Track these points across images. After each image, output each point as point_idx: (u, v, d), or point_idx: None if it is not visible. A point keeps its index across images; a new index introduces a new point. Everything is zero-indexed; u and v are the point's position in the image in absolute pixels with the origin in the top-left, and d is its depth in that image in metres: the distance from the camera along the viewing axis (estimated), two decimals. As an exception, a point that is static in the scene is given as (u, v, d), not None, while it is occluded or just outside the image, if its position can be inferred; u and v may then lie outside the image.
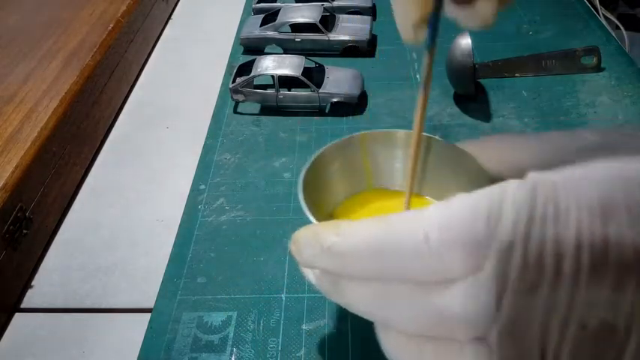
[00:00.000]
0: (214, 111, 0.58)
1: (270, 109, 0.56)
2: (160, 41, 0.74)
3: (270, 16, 0.65)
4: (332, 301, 0.25)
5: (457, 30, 0.50)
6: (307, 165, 0.30)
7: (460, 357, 0.20)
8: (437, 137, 0.31)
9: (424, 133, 0.29)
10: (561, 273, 0.18)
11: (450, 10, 0.23)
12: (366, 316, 0.23)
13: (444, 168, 0.31)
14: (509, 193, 0.20)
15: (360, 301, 0.23)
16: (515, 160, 0.26)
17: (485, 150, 0.28)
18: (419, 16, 0.22)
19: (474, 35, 0.51)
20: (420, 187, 0.33)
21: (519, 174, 0.23)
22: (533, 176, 0.21)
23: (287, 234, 0.44)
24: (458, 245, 0.19)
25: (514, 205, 0.19)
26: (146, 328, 0.38)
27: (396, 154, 0.33)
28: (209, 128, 0.55)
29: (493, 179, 0.26)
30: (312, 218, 0.27)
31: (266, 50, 0.65)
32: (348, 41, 0.63)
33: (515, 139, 0.27)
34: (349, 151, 0.33)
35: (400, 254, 0.20)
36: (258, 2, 0.71)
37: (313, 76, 0.56)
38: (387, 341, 0.23)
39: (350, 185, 0.33)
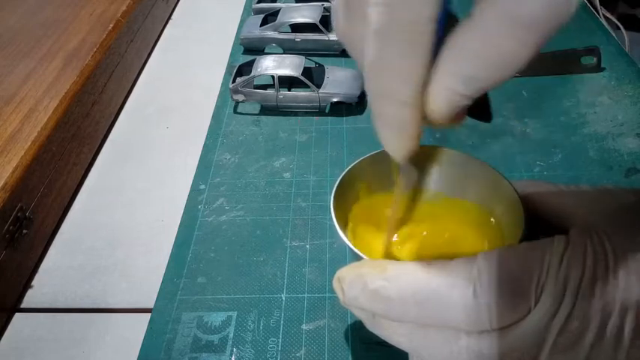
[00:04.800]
0: (214, 111, 0.58)
1: (270, 109, 0.56)
2: (159, 41, 0.74)
3: (270, 16, 0.65)
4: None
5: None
6: (338, 181, 0.30)
7: None
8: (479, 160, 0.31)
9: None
10: (605, 331, 0.19)
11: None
12: (398, 346, 0.24)
13: (473, 180, 0.31)
14: (559, 249, 0.20)
15: (395, 336, 0.23)
16: (559, 206, 0.26)
17: (529, 186, 0.28)
18: (411, 148, 0.22)
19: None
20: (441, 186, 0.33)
21: (563, 222, 0.24)
22: (582, 234, 0.21)
23: (287, 234, 0.44)
24: (506, 301, 0.20)
25: (564, 263, 0.20)
26: (146, 328, 0.38)
27: (426, 169, 0.33)
28: (209, 128, 0.55)
29: (522, 203, 0.27)
30: (345, 240, 0.27)
31: (266, 50, 0.65)
32: (348, 41, 0.62)
33: (556, 186, 0.27)
34: (379, 164, 0.32)
35: (446, 305, 0.21)
36: (258, 2, 0.71)
37: (313, 76, 0.56)
38: None
39: (378, 196, 0.33)
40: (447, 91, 0.18)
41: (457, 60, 0.18)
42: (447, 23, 0.18)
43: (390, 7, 0.17)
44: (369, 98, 0.20)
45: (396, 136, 0.21)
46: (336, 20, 0.21)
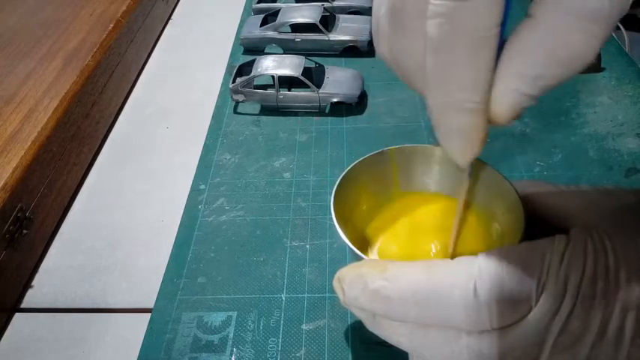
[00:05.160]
0: (214, 111, 0.58)
1: (270, 109, 0.56)
2: (159, 41, 0.74)
3: (270, 16, 0.65)
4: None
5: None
6: (338, 181, 0.30)
7: None
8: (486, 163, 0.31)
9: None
10: (606, 331, 0.19)
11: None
12: (398, 346, 0.24)
13: (473, 179, 0.31)
14: (559, 249, 0.20)
15: (395, 336, 0.23)
16: (559, 206, 0.26)
17: (530, 187, 0.28)
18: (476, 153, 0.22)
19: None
20: (441, 186, 0.33)
21: (563, 222, 0.24)
22: (582, 234, 0.21)
23: (287, 234, 0.44)
24: (506, 300, 0.20)
25: (565, 263, 0.20)
26: (146, 328, 0.38)
27: (426, 169, 0.33)
28: (209, 128, 0.55)
29: (521, 201, 0.27)
30: (346, 240, 0.27)
31: (266, 50, 0.65)
32: (348, 41, 0.62)
33: (556, 186, 0.27)
34: (379, 164, 0.32)
35: (446, 305, 0.21)
36: (258, 2, 0.71)
37: (313, 76, 0.56)
38: None
39: (379, 196, 0.33)
40: (513, 92, 0.18)
41: (522, 60, 0.18)
42: (506, 24, 0.18)
43: (450, 17, 0.17)
44: (432, 111, 0.20)
45: (464, 144, 0.21)
46: (380, 39, 0.21)
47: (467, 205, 0.31)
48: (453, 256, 0.30)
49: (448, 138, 0.21)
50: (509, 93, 0.18)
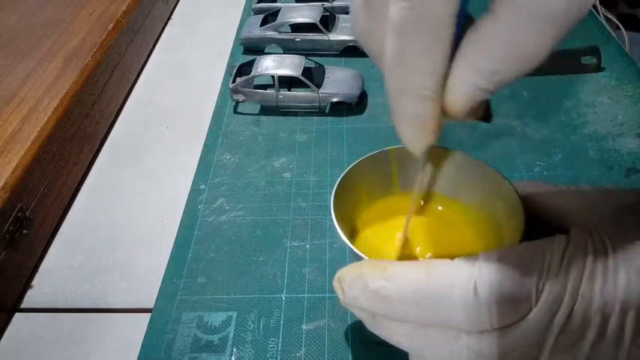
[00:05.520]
0: (214, 111, 0.58)
1: (270, 109, 0.56)
2: (159, 41, 0.74)
3: (270, 16, 0.65)
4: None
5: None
6: (338, 181, 0.30)
7: None
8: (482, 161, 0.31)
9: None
10: (606, 331, 0.19)
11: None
12: (398, 346, 0.24)
13: (473, 180, 0.31)
14: (559, 248, 0.20)
15: (395, 336, 0.24)
16: (559, 206, 0.26)
17: (530, 187, 0.28)
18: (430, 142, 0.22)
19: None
20: (441, 187, 0.33)
21: (563, 222, 0.24)
22: (582, 234, 0.21)
23: (287, 234, 0.44)
24: (506, 300, 0.20)
25: (565, 263, 0.20)
26: (146, 328, 0.38)
27: (428, 171, 0.33)
28: (209, 128, 0.55)
29: (520, 200, 0.27)
30: (346, 240, 0.27)
31: (266, 50, 0.65)
32: (348, 41, 0.62)
33: (556, 187, 0.27)
34: (379, 164, 0.32)
35: (446, 305, 0.21)
36: (258, 2, 0.71)
37: (313, 76, 0.56)
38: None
39: (378, 196, 0.33)
40: (468, 85, 0.19)
41: (478, 54, 0.18)
42: (464, 18, 0.18)
43: (411, 3, 0.17)
44: (389, 95, 0.21)
45: (416, 131, 0.21)
46: (355, 20, 0.21)
47: (430, 197, 0.31)
48: (402, 253, 0.30)
49: (402, 124, 0.21)
50: (465, 85, 0.19)
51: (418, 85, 0.19)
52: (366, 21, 0.21)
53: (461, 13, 0.18)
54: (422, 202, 0.33)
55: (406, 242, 0.31)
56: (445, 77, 0.19)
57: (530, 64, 0.18)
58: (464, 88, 0.19)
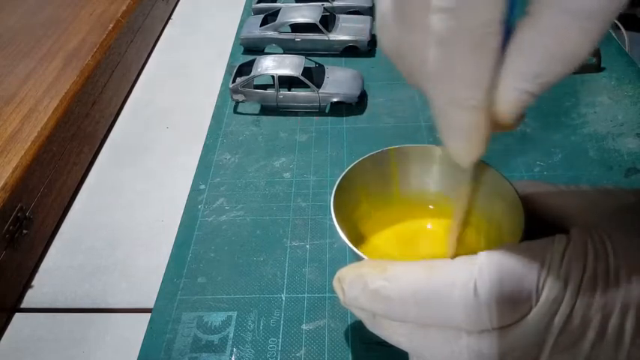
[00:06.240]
0: (214, 111, 0.58)
1: (270, 109, 0.56)
2: (159, 41, 0.74)
3: (270, 16, 0.65)
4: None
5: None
6: (338, 181, 0.30)
7: None
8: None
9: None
10: (606, 331, 0.19)
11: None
12: (398, 346, 0.24)
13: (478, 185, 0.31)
14: (559, 248, 0.20)
15: (395, 336, 0.23)
16: (559, 206, 0.26)
17: (530, 187, 0.28)
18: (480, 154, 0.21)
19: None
20: (442, 187, 0.33)
21: (563, 222, 0.24)
22: (582, 233, 0.21)
23: (287, 234, 0.44)
24: (506, 300, 0.20)
25: (565, 262, 0.20)
26: (146, 328, 0.38)
27: (425, 169, 0.33)
28: (209, 128, 0.55)
29: (521, 199, 0.27)
30: (346, 240, 0.27)
31: (266, 50, 0.65)
32: (348, 41, 0.62)
33: (556, 187, 0.27)
34: (379, 164, 0.32)
35: (447, 304, 0.21)
36: (258, 2, 0.71)
37: (313, 76, 0.56)
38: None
39: (378, 196, 0.33)
40: (516, 91, 0.18)
41: (523, 59, 0.18)
42: (512, 24, 0.18)
43: (454, 13, 0.17)
44: (434, 108, 0.20)
45: (465, 143, 0.21)
46: (384, 31, 0.21)
47: (467, 207, 0.31)
48: (452, 257, 0.30)
49: (450, 137, 0.21)
50: (512, 91, 0.18)
51: (467, 96, 0.19)
52: (399, 32, 0.20)
53: (507, 19, 0.17)
54: (430, 207, 0.33)
55: (407, 241, 0.31)
56: (493, 85, 0.19)
57: (574, 63, 0.17)
58: (512, 94, 0.18)
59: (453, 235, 0.29)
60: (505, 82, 0.18)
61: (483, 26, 0.17)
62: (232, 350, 0.36)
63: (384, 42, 0.21)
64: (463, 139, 0.20)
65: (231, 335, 0.37)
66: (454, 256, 0.29)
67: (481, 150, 0.21)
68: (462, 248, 0.30)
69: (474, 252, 0.22)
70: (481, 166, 0.30)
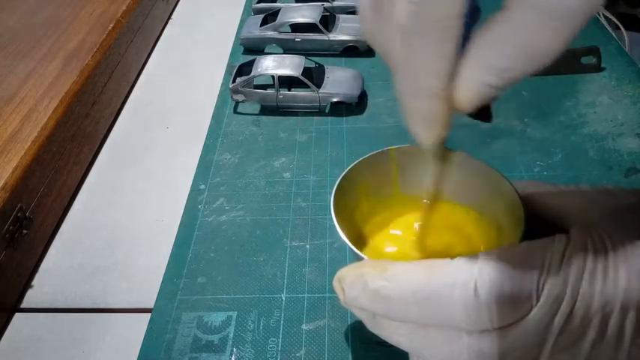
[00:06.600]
0: (214, 111, 0.58)
1: (270, 109, 0.56)
2: (159, 41, 0.74)
3: (270, 16, 0.65)
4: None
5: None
6: (338, 181, 0.30)
7: None
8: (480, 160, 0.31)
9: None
10: (606, 331, 0.19)
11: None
12: (399, 346, 0.24)
13: (473, 180, 0.31)
14: (559, 248, 0.20)
15: (395, 336, 0.24)
16: (559, 206, 0.26)
17: (530, 187, 0.28)
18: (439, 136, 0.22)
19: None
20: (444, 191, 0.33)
21: (563, 222, 0.24)
22: (582, 233, 0.21)
23: (287, 234, 0.44)
24: (507, 300, 0.20)
25: (565, 262, 0.20)
26: (146, 328, 0.38)
27: (425, 169, 0.33)
28: (209, 128, 0.55)
29: (522, 202, 0.27)
30: (346, 240, 0.27)
31: (266, 50, 0.65)
32: (348, 41, 0.62)
33: (556, 186, 0.27)
34: (379, 164, 0.33)
35: (447, 304, 0.21)
36: (258, 2, 0.71)
37: (313, 76, 0.56)
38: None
39: (378, 196, 0.33)
40: (478, 82, 0.19)
41: (489, 52, 0.18)
42: (473, 17, 0.19)
43: (417, 4, 0.18)
44: (398, 92, 0.21)
45: (426, 127, 0.22)
46: (363, 19, 0.22)
47: (437, 190, 0.31)
48: (426, 250, 0.30)
49: (412, 120, 0.22)
50: (474, 82, 0.19)
51: (426, 83, 0.20)
52: (373, 21, 0.21)
53: (468, 11, 0.18)
54: (425, 201, 0.33)
55: (407, 241, 0.31)
56: (453, 74, 0.19)
57: (542, 62, 0.18)
58: (473, 86, 0.19)
59: (423, 220, 0.29)
60: (467, 72, 0.19)
61: (445, 18, 0.18)
62: (232, 350, 0.36)
63: (363, 28, 0.22)
64: (423, 122, 0.22)
65: (231, 335, 0.37)
66: (424, 245, 0.29)
67: (440, 133, 0.22)
68: (462, 248, 0.30)
69: (474, 252, 0.22)
70: (481, 165, 0.30)
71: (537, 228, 0.25)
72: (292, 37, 0.63)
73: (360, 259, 0.26)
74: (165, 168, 0.54)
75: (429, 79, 0.19)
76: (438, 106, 0.20)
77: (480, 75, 0.19)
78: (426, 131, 0.22)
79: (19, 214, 0.43)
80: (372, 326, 0.24)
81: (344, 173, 0.31)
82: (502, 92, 0.19)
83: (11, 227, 0.42)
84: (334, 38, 0.62)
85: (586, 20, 0.16)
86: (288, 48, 0.64)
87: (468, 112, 0.20)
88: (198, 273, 0.41)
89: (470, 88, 0.19)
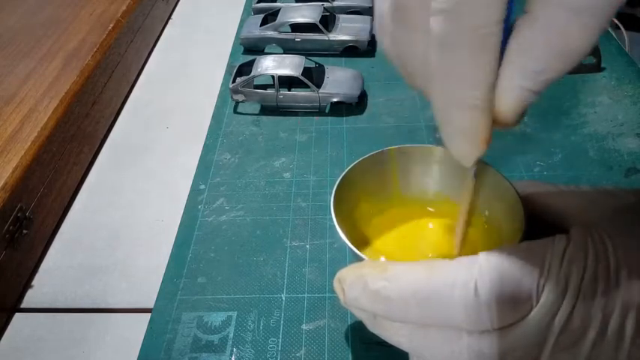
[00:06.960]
0: (214, 111, 0.58)
1: (270, 109, 0.56)
2: (159, 41, 0.74)
3: (270, 16, 0.65)
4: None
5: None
6: (338, 181, 0.30)
7: None
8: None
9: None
10: (607, 331, 0.19)
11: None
12: (399, 346, 0.24)
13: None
14: (559, 248, 0.20)
15: (395, 336, 0.23)
16: (559, 206, 0.26)
17: (530, 187, 0.28)
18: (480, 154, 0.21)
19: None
20: (443, 188, 0.33)
21: (563, 222, 0.24)
22: (582, 233, 0.21)
23: (287, 234, 0.44)
24: (507, 300, 0.20)
25: (565, 262, 0.20)
26: (146, 328, 0.38)
27: (425, 169, 0.33)
28: (209, 128, 0.55)
29: (521, 200, 0.27)
30: (346, 240, 0.27)
31: (266, 50, 0.65)
32: (348, 41, 0.62)
33: (556, 187, 0.27)
34: (379, 164, 0.32)
35: (447, 305, 0.21)
36: (258, 2, 0.71)
37: (313, 76, 0.56)
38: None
39: (378, 196, 0.33)
40: (517, 89, 0.18)
41: (523, 56, 0.18)
42: (512, 20, 0.18)
43: (454, 14, 0.17)
44: (435, 108, 0.20)
45: (467, 143, 0.21)
46: (383, 33, 0.20)
47: (470, 207, 0.31)
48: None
49: (452, 137, 0.21)
50: (513, 89, 0.18)
51: (468, 96, 0.19)
52: (399, 33, 0.20)
53: (507, 18, 0.17)
54: (430, 209, 0.33)
55: (407, 241, 0.31)
56: (494, 84, 0.19)
57: (575, 59, 0.17)
58: (512, 92, 0.18)
59: (458, 236, 0.29)
60: (506, 80, 0.18)
61: (483, 27, 0.17)
62: (232, 350, 0.36)
63: (383, 43, 0.21)
64: (465, 138, 0.20)
65: (231, 335, 0.37)
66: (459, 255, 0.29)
67: (483, 149, 0.21)
68: (463, 249, 0.30)
69: (474, 252, 0.22)
70: (481, 165, 0.30)
71: (537, 228, 0.25)
72: (292, 37, 0.63)
73: (360, 259, 0.26)
74: (165, 168, 0.54)
75: (470, 91, 0.18)
76: (481, 119, 0.19)
77: (517, 80, 0.18)
78: (468, 147, 0.21)
79: (19, 214, 0.43)
80: (373, 326, 0.24)
81: (344, 173, 0.31)
82: (539, 97, 0.19)
83: (11, 227, 0.42)
84: (334, 38, 0.62)
85: (613, 12, 0.16)
86: (288, 48, 0.64)
87: (511, 121, 0.20)
88: (198, 273, 0.41)
89: (512, 96, 0.18)
